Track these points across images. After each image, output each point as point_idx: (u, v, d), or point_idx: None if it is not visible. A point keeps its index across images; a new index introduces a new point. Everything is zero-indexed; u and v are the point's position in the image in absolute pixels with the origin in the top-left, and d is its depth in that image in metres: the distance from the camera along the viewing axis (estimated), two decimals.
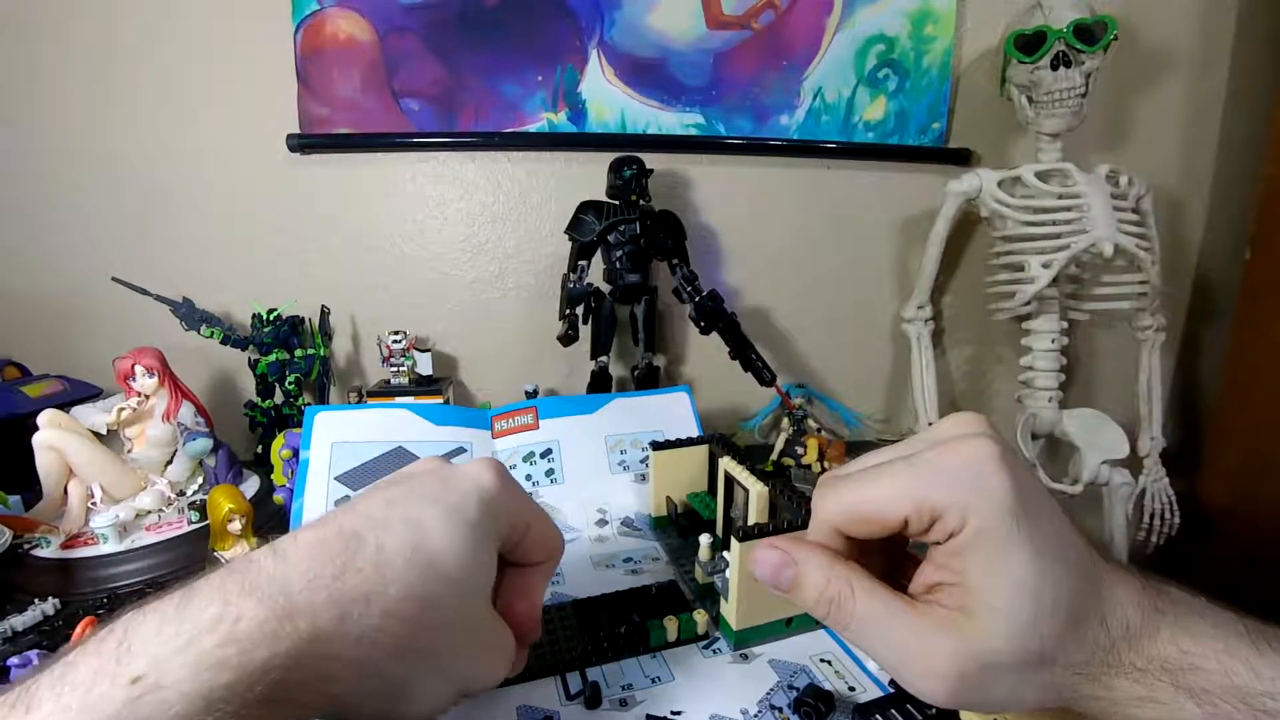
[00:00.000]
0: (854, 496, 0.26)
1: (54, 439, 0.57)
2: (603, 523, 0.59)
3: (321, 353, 0.81)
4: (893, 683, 0.38)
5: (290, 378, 0.78)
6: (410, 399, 0.72)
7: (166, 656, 0.21)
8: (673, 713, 0.36)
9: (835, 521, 0.27)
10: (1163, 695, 0.23)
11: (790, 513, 0.42)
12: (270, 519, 0.60)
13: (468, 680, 0.28)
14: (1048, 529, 0.24)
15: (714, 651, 0.41)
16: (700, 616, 0.42)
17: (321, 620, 0.23)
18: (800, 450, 0.72)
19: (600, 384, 0.80)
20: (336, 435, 0.60)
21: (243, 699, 0.21)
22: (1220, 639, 0.23)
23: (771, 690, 0.38)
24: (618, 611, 0.43)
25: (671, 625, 0.41)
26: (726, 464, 0.49)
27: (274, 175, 0.83)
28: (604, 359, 0.80)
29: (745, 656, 0.41)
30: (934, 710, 0.35)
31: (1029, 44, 0.75)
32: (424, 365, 0.77)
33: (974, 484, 0.24)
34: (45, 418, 0.57)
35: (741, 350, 0.72)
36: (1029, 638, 0.23)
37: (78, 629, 0.42)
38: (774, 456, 0.74)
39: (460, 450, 0.62)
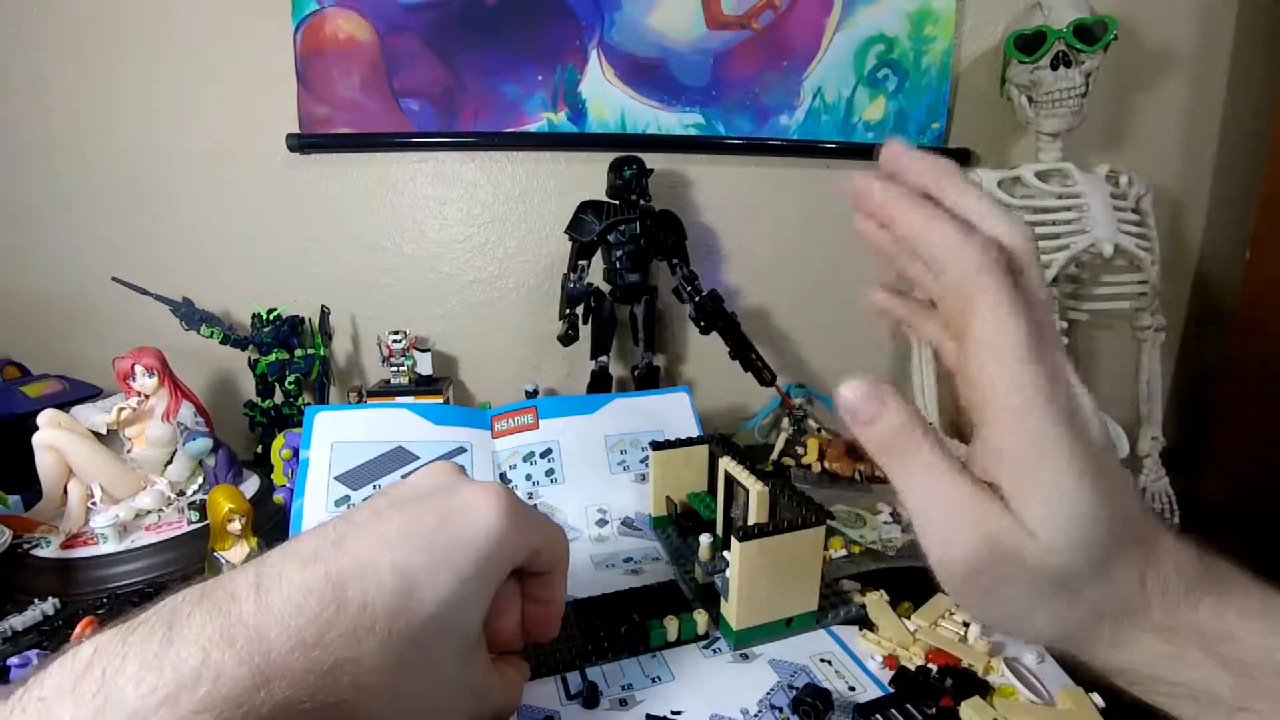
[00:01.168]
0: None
1: (54, 439, 0.57)
2: (603, 523, 0.59)
3: (321, 353, 0.81)
4: (892, 682, 0.38)
5: (290, 378, 0.78)
6: (410, 399, 0.72)
7: (145, 714, 0.20)
8: (673, 712, 0.36)
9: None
10: (1191, 658, 0.23)
11: (791, 512, 0.42)
12: (270, 519, 0.60)
13: None
14: (1109, 479, 0.23)
15: (714, 651, 0.41)
16: (700, 616, 0.42)
17: (299, 690, 0.23)
18: (800, 450, 0.72)
19: (600, 384, 0.80)
20: (336, 435, 0.60)
21: None
22: (1266, 616, 0.23)
23: (771, 690, 0.38)
24: (618, 611, 0.43)
25: (672, 625, 0.41)
26: (726, 464, 0.49)
27: (274, 175, 0.83)
28: (604, 359, 0.80)
29: (745, 656, 0.41)
30: (933, 710, 0.35)
31: (1029, 44, 0.75)
32: (424, 365, 0.77)
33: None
34: (45, 418, 0.57)
35: (741, 350, 0.72)
36: (1059, 559, 0.22)
37: (77, 629, 0.43)
38: (774, 456, 0.74)
39: (460, 450, 0.62)
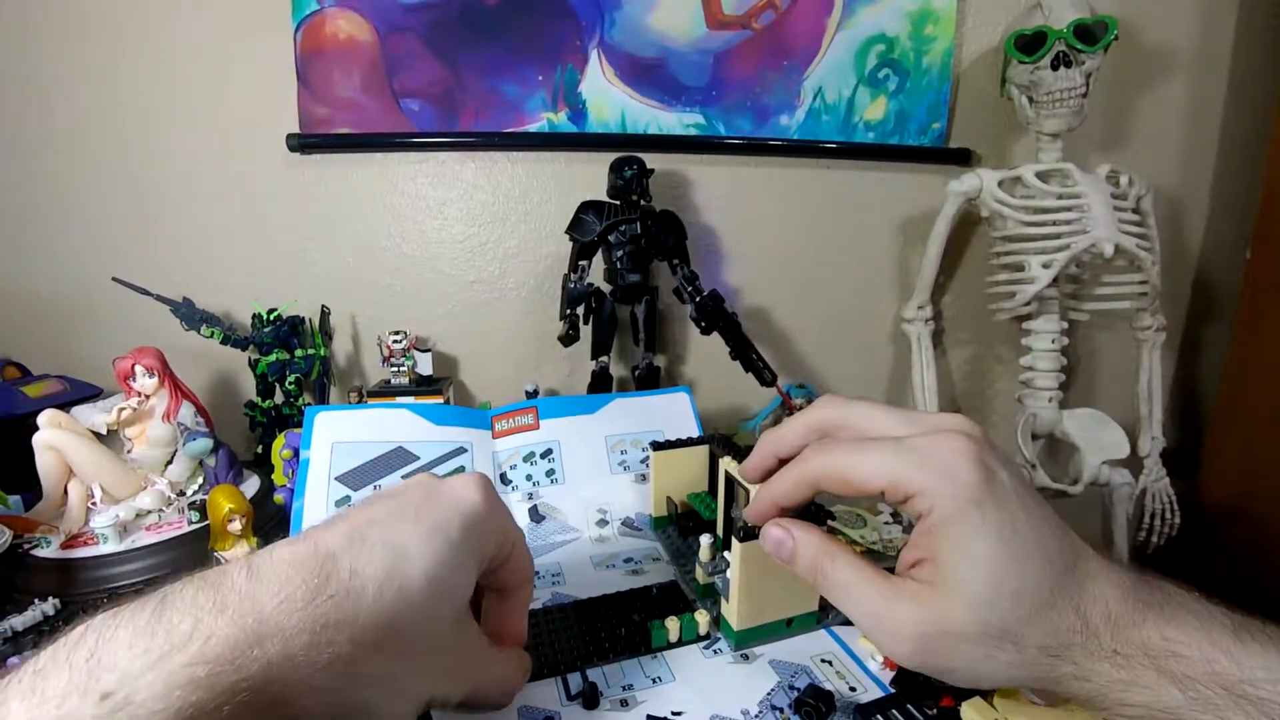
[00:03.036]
0: (842, 462, 0.29)
1: (54, 439, 0.57)
2: (603, 523, 0.59)
3: (321, 353, 0.81)
4: (893, 682, 0.38)
5: (290, 378, 0.78)
6: (410, 399, 0.72)
7: (138, 673, 0.21)
8: (673, 713, 0.36)
9: (816, 478, 0.30)
10: (1145, 679, 0.25)
11: (791, 513, 0.42)
12: (270, 519, 0.60)
13: (436, 698, 0.29)
14: (1021, 523, 0.26)
15: (715, 652, 0.41)
16: (702, 617, 0.42)
17: (292, 646, 0.23)
18: None
19: (601, 384, 0.80)
20: (337, 435, 0.59)
21: (210, 718, 0.21)
22: (1204, 630, 0.25)
23: (772, 690, 0.38)
24: (619, 612, 0.43)
25: (673, 625, 0.41)
26: (727, 464, 0.49)
27: (274, 175, 0.83)
28: (604, 359, 0.80)
29: (746, 657, 0.41)
30: (935, 711, 0.35)
31: (1029, 44, 0.75)
32: (424, 365, 0.77)
33: (946, 475, 0.27)
34: (45, 418, 0.57)
35: (742, 350, 0.72)
36: (987, 615, 0.26)
37: None
38: None
39: (460, 450, 0.62)
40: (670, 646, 0.41)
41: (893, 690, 0.38)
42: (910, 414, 0.31)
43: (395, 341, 0.74)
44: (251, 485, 0.66)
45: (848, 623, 0.44)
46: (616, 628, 0.41)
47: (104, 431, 0.60)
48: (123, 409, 0.59)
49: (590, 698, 0.36)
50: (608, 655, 0.40)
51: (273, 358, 0.77)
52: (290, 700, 0.23)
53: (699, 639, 0.42)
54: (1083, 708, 0.26)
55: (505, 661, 0.33)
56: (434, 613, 0.27)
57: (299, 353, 0.79)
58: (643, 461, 0.64)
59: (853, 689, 0.38)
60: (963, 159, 0.89)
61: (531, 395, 0.77)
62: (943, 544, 0.26)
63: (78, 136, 0.80)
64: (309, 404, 0.75)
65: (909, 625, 0.27)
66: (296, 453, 0.60)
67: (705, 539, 0.47)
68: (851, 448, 0.30)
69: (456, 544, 0.28)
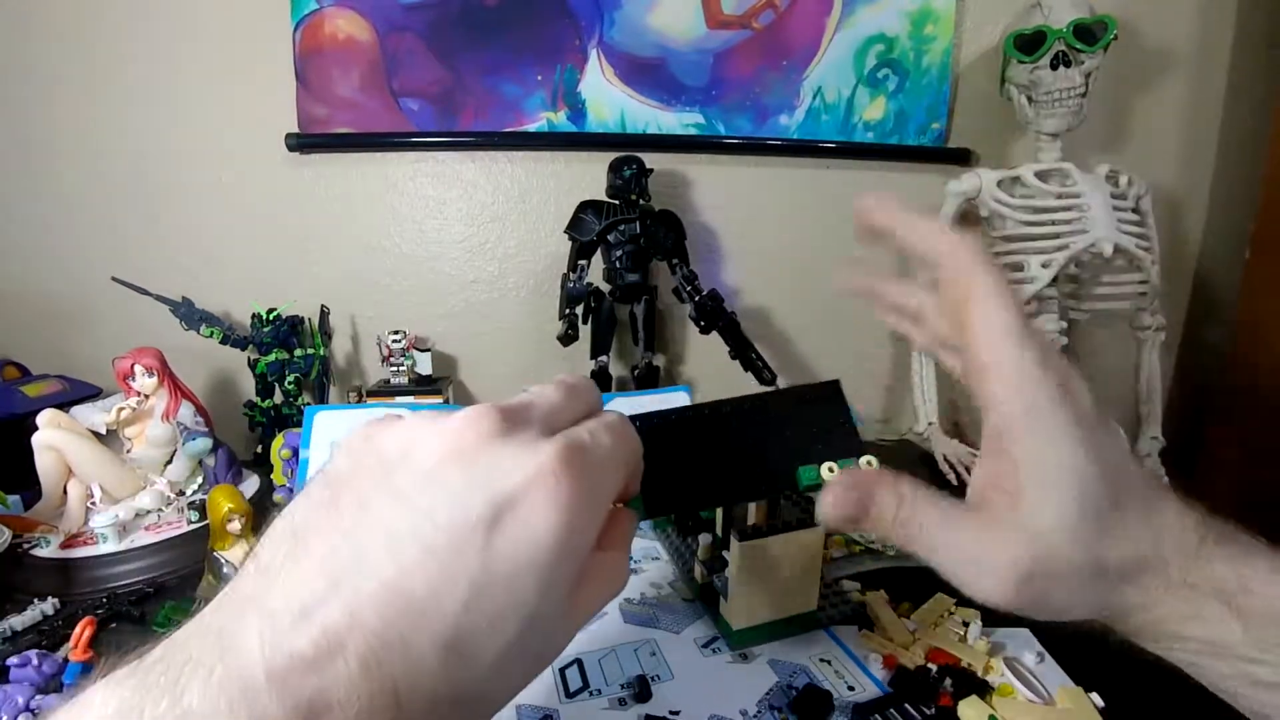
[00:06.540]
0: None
1: (54, 439, 0.57)
2: None
3: (321, 352, 0.81)
4: (892, 682, 0.38)
5: (290, 377, 0.78)
6: (410, 399, 0.72)
7: None
8: (671, 712, 0.36)
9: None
10: (1209, 612, 0.23)
11: (790, 512, 0.42)
12: (270, 519, 0.60)
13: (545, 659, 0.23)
14: (1104, 441, 0.25)
15: (713, 651, 0.41)
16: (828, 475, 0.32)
17: None
18: None
19: (600, 384, 0.80)
20: (336, 435, 0.59)
21: None
22: (1276, 572, 0.24)
23: (771, 690, 0.38)
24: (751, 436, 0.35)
25: (827, 473, 0.32)
26: None
27: (273, 175, 0.83)
28: (604, 359, 0.80)
29: (745, 656, 0.41)
30: (932, 711, 0.35)
31: (1029, 44, 0.75)
32: (424, 365, 0.77)
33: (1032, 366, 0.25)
34: (45, 418, 0.57)
35: (741, 350, 0.72)
36: (1077, 525, 0.23)
37: (77, 629, 0.43)
38: None
39: None
40: (813, 488, 0.32)
41: (890, 690, 0.38)
42: None
43: (395, 341, 0.74)
44: (251, 485, 0.66)
45: (847, 622, 0.44)
46: (752, 459, 0.33)
47: (104, 431, 0.60)
48: (122, 409, 0.59)
49: (642, 693, 0.36)
50: (746, 491, 0.33)
51: (272, 357, 0.78)
52: None
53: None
54: (1135, 638, 0.25)
55: (607, 578, 0.24)
56: (513, 669, 0.21)
57: (298, 352, 0.79)
58: None
59: (851, 688, 0.38)
60: (962, 159, 0.89)
61: None
62: (1027, 446, 0.24)
63: (78, 137, 0.80)
64: (308, 404, 0.75)
65: (1010, 567, 0.23)
66: (296, 452, 0.60)
67: (705, 538, 0.47)
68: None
69: (532, 603, 0.20)
